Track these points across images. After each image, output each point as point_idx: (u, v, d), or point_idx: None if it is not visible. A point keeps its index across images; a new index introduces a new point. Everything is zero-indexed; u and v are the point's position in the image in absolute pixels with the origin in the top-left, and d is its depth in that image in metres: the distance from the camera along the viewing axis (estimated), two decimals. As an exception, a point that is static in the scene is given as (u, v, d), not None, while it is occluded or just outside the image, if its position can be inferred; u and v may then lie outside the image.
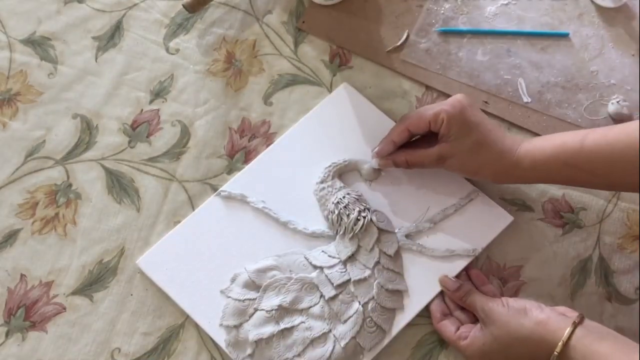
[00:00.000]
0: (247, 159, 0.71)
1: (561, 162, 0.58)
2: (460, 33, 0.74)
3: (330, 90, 0.73)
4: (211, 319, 0.64)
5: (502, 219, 0.66)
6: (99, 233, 0.68)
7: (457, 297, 0.63)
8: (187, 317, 0.65)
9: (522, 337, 0.56)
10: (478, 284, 0.65)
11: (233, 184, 0.68)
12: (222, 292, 0.64)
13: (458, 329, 0.62)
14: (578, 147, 0.58)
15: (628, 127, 0.56)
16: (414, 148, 0.64)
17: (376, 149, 0.66)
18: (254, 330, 0.63)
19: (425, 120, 0.61)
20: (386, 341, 0.63)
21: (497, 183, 0.67)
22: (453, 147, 0.61)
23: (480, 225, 0.66)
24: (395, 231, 0.66)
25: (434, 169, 0.63)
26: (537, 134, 0.71)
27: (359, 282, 0.64)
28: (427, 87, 0.73)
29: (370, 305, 0.63)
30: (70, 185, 0.70)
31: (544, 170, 0.59)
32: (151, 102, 0.73)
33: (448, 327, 0.62)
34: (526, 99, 0.72)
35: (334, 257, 0.65)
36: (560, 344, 0.53)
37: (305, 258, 0.65)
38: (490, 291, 0.63)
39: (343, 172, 0.68)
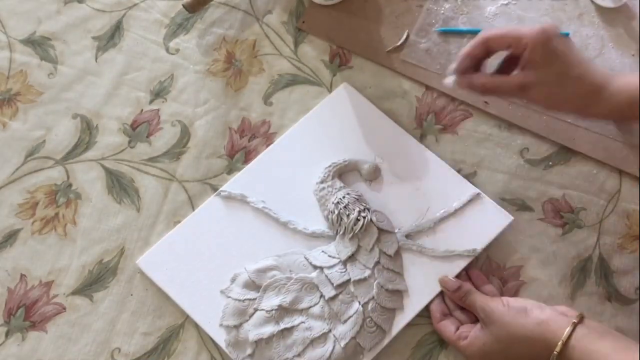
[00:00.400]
0: (247, 159, 0.71)
1: None
2: (460, 33, 0.74)
3: (330, 90, 0.73)
4: (211, 319, 0.64)
5: (502, 219, 0.66)
6: (99, 233, 0.68)
7: (457, 297, 0.62)
8: (187, 317, 0.65)
9: (522, 337, 0.56)
10: (478, 284, 0.64)
11: (233, 184, 0.68)
12: (222, 292, 0.64)
13: (458, 328, 0.61)
14: None
15: None
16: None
17: (452, 66, 0.60)
18: (254, 330, 0.63)
19: (507, 38, 0.57)
20: (386, 341, 0.63)
21: (583, 118, 0.63)
22: (539, 76, 0.56)
23: (480, 225, 0.66)
24: (395, 231, 0.66)
25: (512, 99, 0.59)
26: (537, 134, 0.71)
27: (358, 282, 0.64)
28: (427, 87, 0.73)
29: (370, 305, 0.63)
30: (70, 185, 0.70)
31: (631, 109, 0.56)
32: (151, 102, 0.73)
33: (448, 327, 0.62)
34: (526, 99, 0.72)
35: (333, 257, 0.65)
36: (560, 343, 0.53)
37: (305, 258, 0.65)
38: (490, 291, 0.63)
39: (343, 172, 0.68)
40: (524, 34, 0.56)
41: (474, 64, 0.59)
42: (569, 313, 0.57)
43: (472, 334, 0.59)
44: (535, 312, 0.56)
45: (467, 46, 0.59)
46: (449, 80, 0.60)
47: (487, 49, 0.58)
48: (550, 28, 0.56)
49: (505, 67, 0.60)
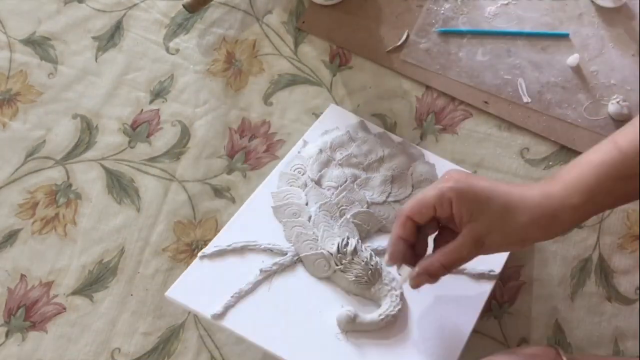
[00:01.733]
0: (247, 159, 0.71)
1: (612, 179, 0.49)
2: (460, 33, 0.74)
3: (330, 90, 0.73)
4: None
5: None
6: (99, 233, 0.68)
7: None
8: (187, 317, 0.65)
9: None
10: None
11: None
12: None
13: None
14: (619, 156, 0.49)
15: None
16: (435, 248, 0.55)
17: (387, 256, 0.55)
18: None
19: (428, 205, 0.52)
20: None
21: (550, 239, 0.56)
22: (483, 223, 0.50)
23: None
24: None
25: (474, 256, 0.53)
26: (537, 134, 0.71)
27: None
28: (427, 87, 0.73)
29: None
30: (70, 185, 0.70)
31: (598, 198, 0.50)
32: (151, 102, 0.73)
33: None
34: (526, 99, 0.72)
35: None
36: None
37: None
38: None
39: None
40: (443, 190, 0.51)
41: (409, 245, 0.54)
42: (546, 353, 0.52)
43: None
44: None
45: (393, 231, 0.54)
46: (402, 280, 0.56)
47: (414, 225, 0.53)
48: (456, 172, 0.53)
49: (440, 236, 0.55)
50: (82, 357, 0.65)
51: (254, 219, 0.63)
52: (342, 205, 0.64)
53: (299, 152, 0.68)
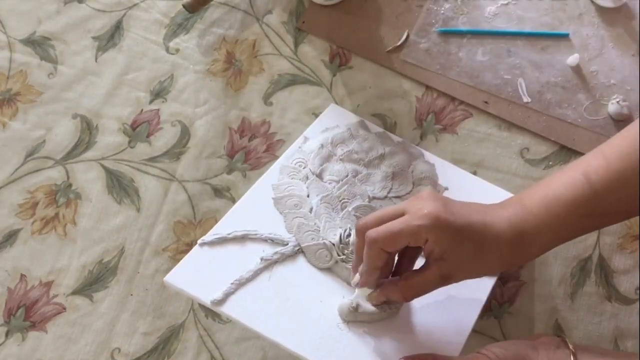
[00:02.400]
0: (247, 159, 0.71)
1: (583, 217, 0.51)
2: (460, 33, 0.74)
3: (330, 90, 0.73)
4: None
5: None
6: (99, 233, 0.68)
7: None
8: (187, 317, 0.65)
9: None
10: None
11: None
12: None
13: None
14: (591, 194, 0.50)
15: (623, 144, 0.51)
16: (399, 272, 0.55)
17: (356, 280, 0.55)
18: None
19: (401, 239, 0.50)
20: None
21: (512, 269, 0.62)
22: (453, 263, 0.50)
23: None
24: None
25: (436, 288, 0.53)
26: (537, 134, 0.71)
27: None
28: (427, 87, 0.73)
29: None
30: (70, 185, 0.70)
31: (567, 234, 0.52)
32: (151, 102, 0.73)
33: None
34: (526, 99, 0.72)
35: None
36: None
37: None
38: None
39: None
40: (419, 228, 0.49)
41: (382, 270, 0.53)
42: (552, 341, 0.52)
43: None
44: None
45: (366, 259, 0.52)
46: (358, 297, 0.56)
47: (387, 254, 0.52)
48: (434, 211, 0.49)
49: (402, 257, 0.55)
50: (82, 357, 0.65)
51: (254, 209, 0.63)
52: (343, 198, 0.64)
53: (299, 147, 0.68)
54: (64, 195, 0.70)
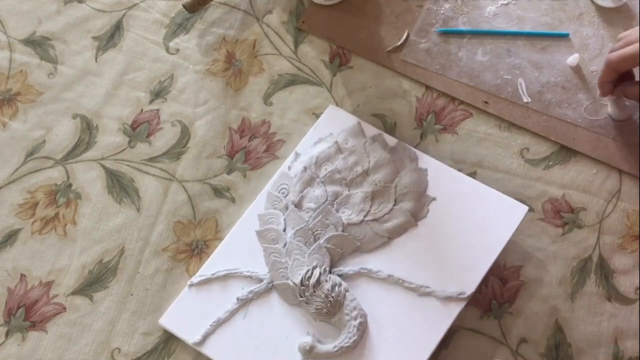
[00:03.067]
0: (247, 159, 0.71)
1: None
2: (460, 33, 0.74)
3: (330, 90, 0.73)
4: None
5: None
6: (99, 233, 0.68)
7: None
8: (187, 317, 0.65)
9: None
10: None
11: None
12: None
13: None
14: None
15: None
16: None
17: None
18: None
19: (628, 62, 0.64)
20: None
21: None
22: None
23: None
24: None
25: None
26: (537, 134, 0.71)
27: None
28: (427, 87, 0.73)
29: None
30: (70, 185, 0.70)
31: None
32: (151, 102, 0.73)
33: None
34: (526, 99, 0.72)
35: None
36: None
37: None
38: None
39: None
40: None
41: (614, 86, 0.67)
42: None
43: None
44: None
45: (600, 74, 0.67)
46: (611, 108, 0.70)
47: (615, 73, 0.65)
48: None
49: None
50: (82, 357, 0.65)
51: (241, 242, 0.66)
52: (316, 230, 0.65)
53: (289, 168, 0.68)
54: (64, 195, 0.70)
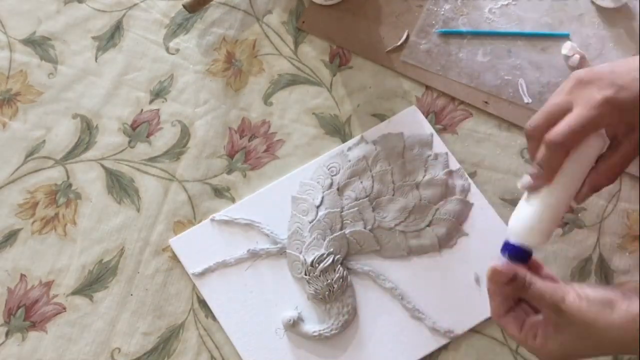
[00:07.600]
0: (247, 159, 0.71)
1: None
2: (460, 34, 0.74)
3: (330, 90, 0.73)
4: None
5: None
6: (99, 233, 0.68)
7: (515, 290, 0.50)
8: (187, 317, 0.65)
9: (613, 338, 0.46)
10: (534, 269, 0.52)
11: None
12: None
13: (523, 324, 0.50)
14: None
15: None
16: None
17: (525, 182, 0.52)
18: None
19: (584, 133, 0.48)
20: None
21: None
22: None
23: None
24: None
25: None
26: (537, 134, 0.71)
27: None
28: (427, 87, 0.73)
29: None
30: (70, 185, 0.70)
31: None
32: (151, 102, 0.73)
33: (511, 324, 0.50)
34: (527, 99, 0.72)
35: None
36: None
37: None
38: (550, 276, 0.52)
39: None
40: (600, 116, 0.48)
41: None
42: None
43: (543, 333, 0.48)
44: (623, 304, 0.45)
45: (546, 163, 0.50)
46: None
47: (566, 154, 0.50)
48: (602, 91, 0.48)
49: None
50: (82, 357, 0.65)
51: (274, 199, 0.68)
52: (346, 219, 0.66)
53: (348, 149, 0.69)
54: (64, 195, 0.70)
